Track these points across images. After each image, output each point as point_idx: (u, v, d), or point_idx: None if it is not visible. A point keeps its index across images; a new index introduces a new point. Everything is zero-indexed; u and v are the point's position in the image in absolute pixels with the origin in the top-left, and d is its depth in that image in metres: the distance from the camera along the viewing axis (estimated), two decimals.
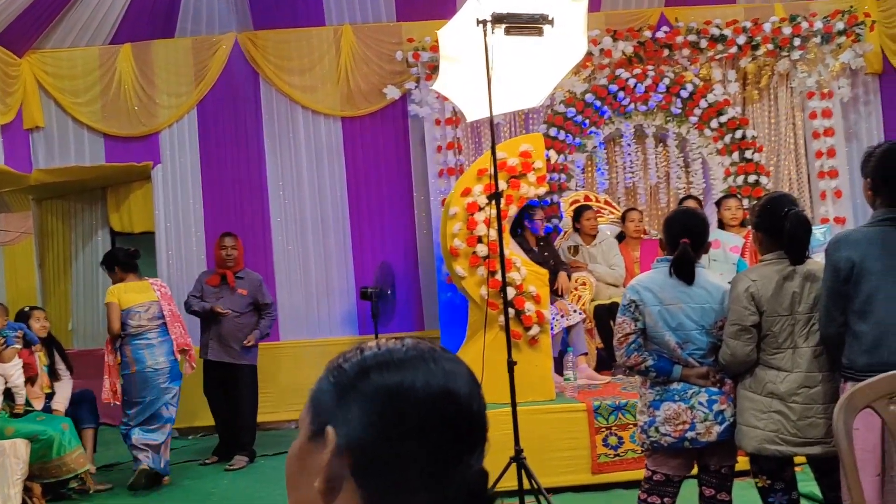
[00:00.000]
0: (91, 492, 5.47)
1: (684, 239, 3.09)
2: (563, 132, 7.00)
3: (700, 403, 3.06)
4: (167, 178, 7.58)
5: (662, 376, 3.10)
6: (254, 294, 6.17)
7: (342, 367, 0.88)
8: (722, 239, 5.61)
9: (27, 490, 5.13)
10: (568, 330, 5.78)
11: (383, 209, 7.63)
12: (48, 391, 5.67)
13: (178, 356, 5.78)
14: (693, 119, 7.12)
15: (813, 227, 6.29)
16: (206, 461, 6.20)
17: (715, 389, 3.08)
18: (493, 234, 4.75)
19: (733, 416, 3.08)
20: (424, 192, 7.52)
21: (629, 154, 7.35)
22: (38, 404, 5.50)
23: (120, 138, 7.53)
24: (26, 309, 5.82)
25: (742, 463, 3.25)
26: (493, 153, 4.09)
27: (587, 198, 6.99)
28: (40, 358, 5.65)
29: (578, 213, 6.50)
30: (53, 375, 5.74)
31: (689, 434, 3.06)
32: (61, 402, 5.67)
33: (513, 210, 5.32)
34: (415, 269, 7.64)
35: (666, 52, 7.27)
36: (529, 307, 5.11)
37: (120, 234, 8.30)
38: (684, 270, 3.09)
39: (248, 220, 7.57)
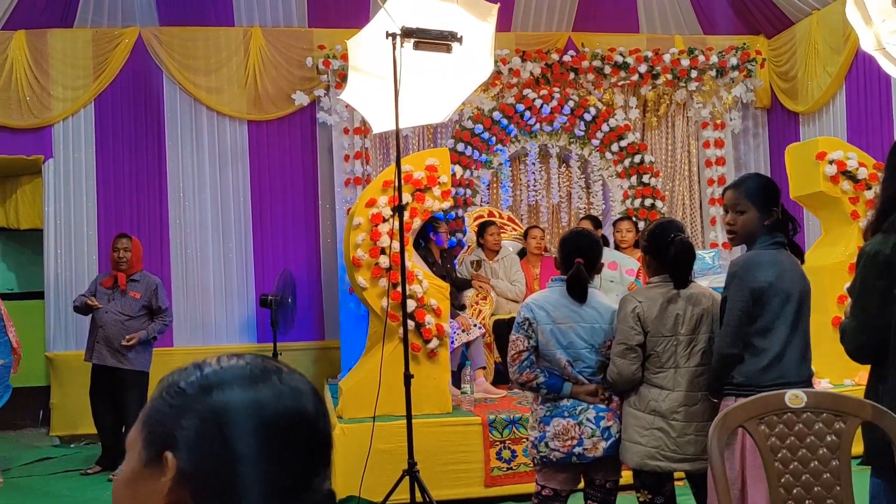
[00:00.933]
0: None
1: (578, 259, 3.18)
2: (469, 148, 7.09)
3: (588, 420, 3.15)
4: (59, 173, 7.25)
5: (553, 393, 3.18)
6: (148, 298, 5.97)
7: (179, 385, 0.82)
8: (619, 261, 5.79)
9: None
10: (467, 344, 5.84)
11: (287, 216, 7.53)
12: None
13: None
14: (595, 142, 7.35)
15: (702, 251, 6.64)
16: (89, 471, 5.94)
17: (603, 406, 3.18)
18: (396, 245, 4.78)
19: (619, 433, 3.18)
20: (330, 201, 7.47)
21: (533, 173, 7.51)
22: None
23: (9, 129, 7.16)
24: None
25: (626, 477, 3.35)
26: (398, 166, 4.11)
27: (491, 213, 7.10)
28: None
29: (483, 229, 6.59)
30: None
31: (577, 449, 3.14)
32: None
33: (417, 223, 5.35)
34: (317, 279, 7.57)
35: (572, 75, 7.49)
36: (430, 320, 5.13)
37: (4, 230, 7.90)
38: (577, 290, 3.18)
39: (144, 221, 7.33)
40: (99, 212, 7.29)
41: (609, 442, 3.16)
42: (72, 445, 6.98)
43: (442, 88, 4.14)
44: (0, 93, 7.10)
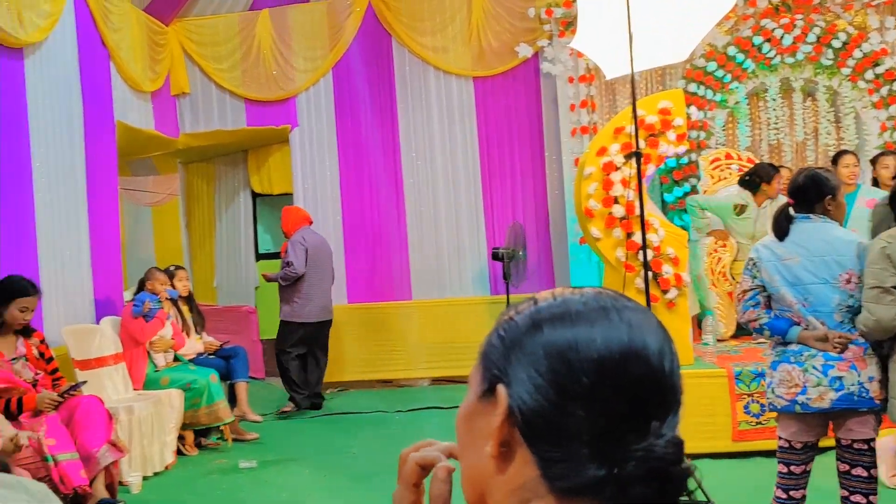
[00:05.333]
0: (230, 444, 5.73)
1: (790, 199, 3.11)
2: (702, 87, 6.70)
3: (814, 367, 2.94)
4: (304, 140, 7.81)
5: (777, 335, 3.04)
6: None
7: (513, 319, 0.79)
8: (879, 198, 5.24)
9: (179, 438, 5.50)
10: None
11: (515, 169, 7.58)
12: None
13: None
14: (846, 71, 6.65)
15: None
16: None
17: (834, 355, 2.92)
18: (631, 194, 4.64)
19: (857, 385, 2.90)
20: (556, 152, 7.42)
21: (774, 109, 6.95)
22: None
23: (259, 102, 7.80)
24: (171, 268, 6.14)
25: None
26: (634, 110, 3.97)
27: (728, 155, 6.69)
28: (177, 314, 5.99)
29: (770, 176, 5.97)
30: (186, 330, 6.06)
31: (800, 398, 2.96)
32: (191, 353, 5.97)
33: (650, 169, 5.16)
34: (546, 230, 7.57)
35: None
36: (667, 269, 4.97)
37: (260, 196, 8.66)
38: (775, 227, 3.10)
39: (381, 181, 7.71)
40: (340, 174, 7.77)
41: (839, 394, 2.90)
42: (327, 392, 7.56)
43: (680, 25, 3.92)
44: (250, 69, 7.74)
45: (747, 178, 5.78)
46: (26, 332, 4.25)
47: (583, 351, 0.73)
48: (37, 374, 4.20)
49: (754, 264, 3.10)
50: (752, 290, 3.10)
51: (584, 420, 0.71)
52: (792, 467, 3.04)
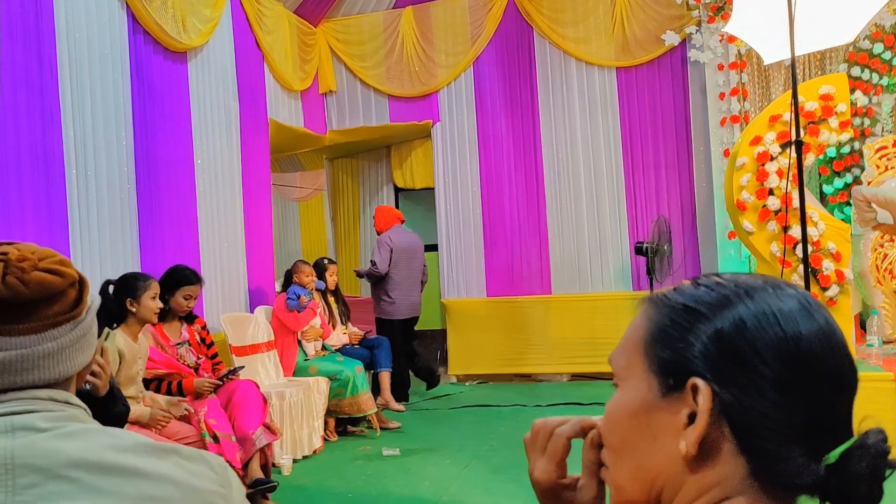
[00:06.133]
0: (378, 433, 5.86)
1: None
2: (867, 71, 6.25)
3: None
4: (445, 135, 7.89)
5: None
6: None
7: (687, 304, 0.73)
8: None
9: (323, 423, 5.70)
10: None
11: (659, 161, 7.36)
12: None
13: None
14: None
15: None
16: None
17: None
18: (788, 185, 4.39)
19: None
20: (704, 143, 7.13)
21: None
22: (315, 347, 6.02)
23: (402, 98, 7.95)
24: (325, 262, 6.36)
25: None
26: (794, 95, 3.73)
27: (895, 143, 6.21)
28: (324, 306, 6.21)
29: None
30: (332, 322, 6.25)
31: None
32: (338, 344, 6.15)
33: (810, 159, 4.86)
34: (692, 224, 7.31)
35: None
36: (828, 265, 4.67)
37: (403, 190, 8.84)
38: None
39: (521, 175, 7.68)
40: (481, 168, 7.80)
41: None
42: (466, 384, 7.65)
43: (845, 4, 3.66)
44: (394, 66, 7.90)
45: None
46: (190, 318, 4.51)
47: (791, 337, 0.69)
48: (199, 358, 4.46)
49: None
50: None
51: (796, 411, 0.68)
52: None
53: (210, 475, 1.01)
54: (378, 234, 6.95)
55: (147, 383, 4.07)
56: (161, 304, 3.93)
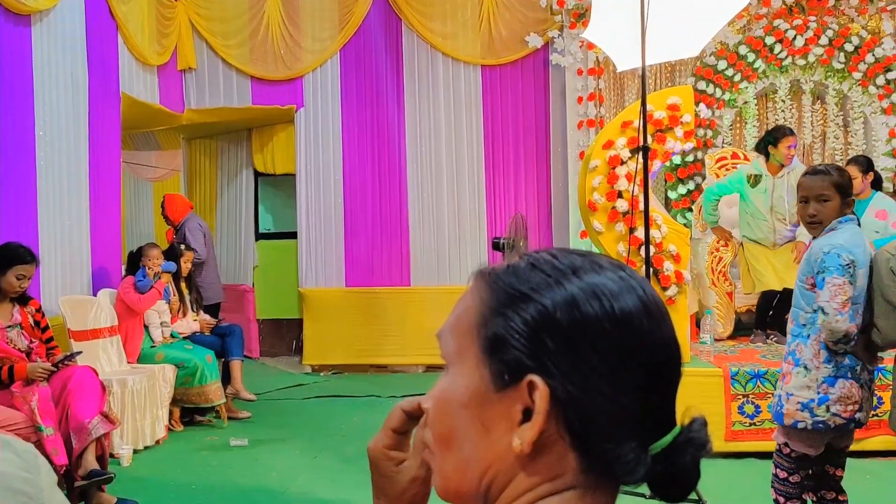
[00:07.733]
0: (226, 423, 5.72)
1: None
2: (712, 85, 6.67)
3: (866, 382, 2.85)
4: (309, 121, 7.76)
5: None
6: None
7: (530, 297, 0.68)
8: (890, 210, 5.21)
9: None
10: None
11: (519, 160, 7.55)
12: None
13: None
14: (857, 75, 6.63)
15: None
16: None
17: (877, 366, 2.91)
18: (635, 189, 4.61)
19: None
20: (562, 144, 7.39)
21: (783, 111, 6.93)
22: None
23: (266, 81, 7.75)
24: (182, 248, 6.10)
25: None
26: (643, 104, 3.94)
27: (735, 155, 6.66)
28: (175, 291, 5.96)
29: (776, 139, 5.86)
30: (184, 309, 6.03)
31: (859, 416, 2.82)
32: (188, 331, 5.95)
33: (656, 165, 5.13)
34: (548, 222, 7.55)
35: (831, 1, 6.76)
36: (668, 266, 4.95)
37: (262, 175, 8.63)
38: None
39: (384, 165, 7.68)
40: (344, 156, 7.73)
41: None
42: (321, 374, 7.58)
43: (693, 20, 3.89)
44: (258, 47, 7.68)
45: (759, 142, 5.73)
46: (22, 300, 4.22)
47: (629, 320, 0.67)
48: (31, 342, 4.18)
49: (854, 269, 2.77)
50: (850, 297, 2.77)
51: (627, 399, 0.66)
52: (801, 476, 2.99)
53: (15, 460, 0.96)
54: (172, 224, 6.70)
55: None
56: None
